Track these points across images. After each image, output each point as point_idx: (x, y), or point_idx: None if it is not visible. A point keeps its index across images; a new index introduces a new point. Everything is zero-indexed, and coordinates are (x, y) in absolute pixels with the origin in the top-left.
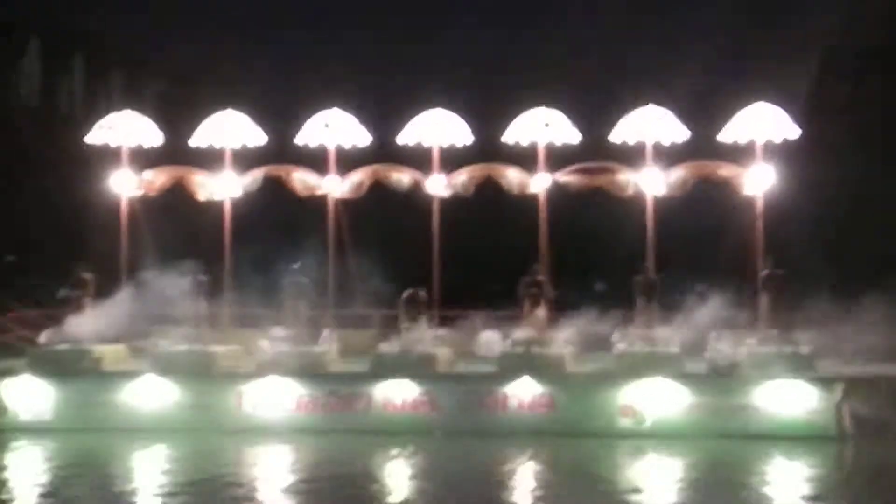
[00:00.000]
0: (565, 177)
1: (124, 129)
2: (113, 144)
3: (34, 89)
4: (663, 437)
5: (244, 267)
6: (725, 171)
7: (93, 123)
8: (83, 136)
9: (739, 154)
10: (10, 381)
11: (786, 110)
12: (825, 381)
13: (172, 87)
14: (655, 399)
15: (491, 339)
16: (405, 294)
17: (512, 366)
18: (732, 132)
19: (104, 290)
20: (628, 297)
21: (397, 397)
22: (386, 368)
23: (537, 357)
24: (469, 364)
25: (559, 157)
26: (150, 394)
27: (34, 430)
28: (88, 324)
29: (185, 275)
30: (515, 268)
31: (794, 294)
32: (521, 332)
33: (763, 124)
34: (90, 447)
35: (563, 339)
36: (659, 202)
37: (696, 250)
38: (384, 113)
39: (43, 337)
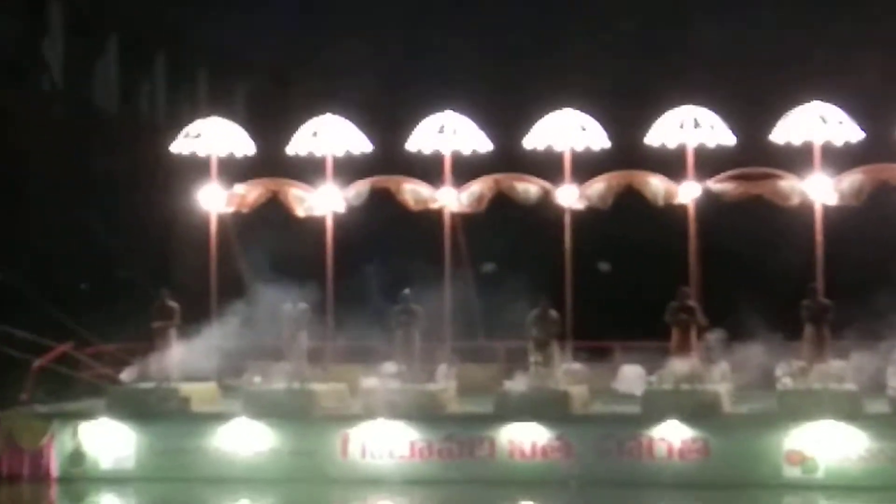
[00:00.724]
0: (719, 184)
1: (213, 137)
2: (201, 154)
3: (112, 93)
4: (838, 488)
5: (349, 293)
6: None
7: (178, 131)
8: (167, 146)
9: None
10: (88, 425)
11: None
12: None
13: (266, 89)
14: (828, 444)
15: (633, 375)
16: (533, 313)
17: (659, 406)
18: None
19: (192, 320)
20: (794, 325)
21: (526, 442)
22: (512, 409)
23: (688, 395)
24: (608, 404)
25: (711, 163)
26: (243, 438)
27: (115, 480)
28: (174, 359)
29: (283, 302)
30: (662, 291)
31: None
32: (669, 367)
33: None
34: (176, 499)
35: (719, 374)
36: (829, 213)
37: (874, 269)
38: (507, 115)
39: (124, 375)
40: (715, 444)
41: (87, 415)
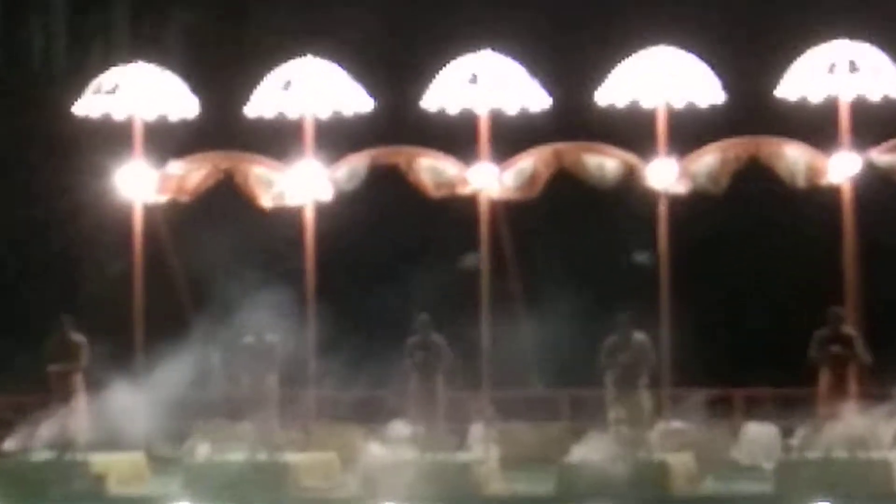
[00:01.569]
0: (887, 156)
1: (135, 92)
2: (118, 117)
3: None
4: None
5: (339, 320)
6: None
7: (84, 85)
8: (68, 106)
9: None
10: None
11: None
12: None
13: (213, 23)
14: None
15: (763, 438)
16: (611, 339)
17: (800, 481)
18: None
19: (107, 361)
20: None
21: None
22: (583, 489)
23: (846, 466)
24: (726, 480)
25: (875, 124)
26: None
27: None
28: (82, 418)
29: (242, 334)
30: (803, 314)
31: None
32: (815, 425)
33: None
34: None
35: (891, 435)
36: None
37: None
38: (571, 59)
39: (11, 441)
40: None
41: None
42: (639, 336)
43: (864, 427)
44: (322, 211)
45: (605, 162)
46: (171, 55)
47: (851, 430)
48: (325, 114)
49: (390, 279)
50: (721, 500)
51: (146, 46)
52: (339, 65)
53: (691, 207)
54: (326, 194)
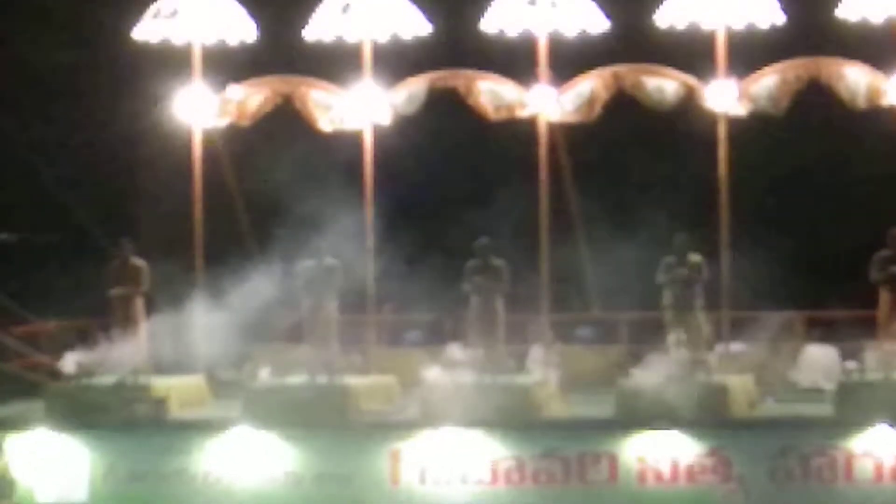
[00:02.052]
0: None
1: (194, 16)
2: (177, 42)
3: None
4: None
5: (398, 245)
6: None
7: (143, 9)
8: (128, 31)
9: None
10: (19, 439)
11: None
12: None
13: None
14: None
15: (823, 360)
16: (668, 260)
17: (862, 405)
18: None
19: (167, 285)
20: None
21: (663, 461)
22: (642, 412)
23: None
24: (786, 403)
25: None
26: (245, 457)
27: None
28: (143, 342)
29: (301, 258)
30: (864, 236)
31: None
32: (876, 347)
33: None
34: None
35: None
36: None
37: None
38: None
39: (69, 364)
40: None
41: (17, 424)
42: (694, 257)
43: None
44: (381, 135)
45: (665, 84)
46: None
47: None
48: (383, 37)
49: (453, 203)
50: (781, 423)
51: None
52: None
53: (752, 129)
54: (385, 118)
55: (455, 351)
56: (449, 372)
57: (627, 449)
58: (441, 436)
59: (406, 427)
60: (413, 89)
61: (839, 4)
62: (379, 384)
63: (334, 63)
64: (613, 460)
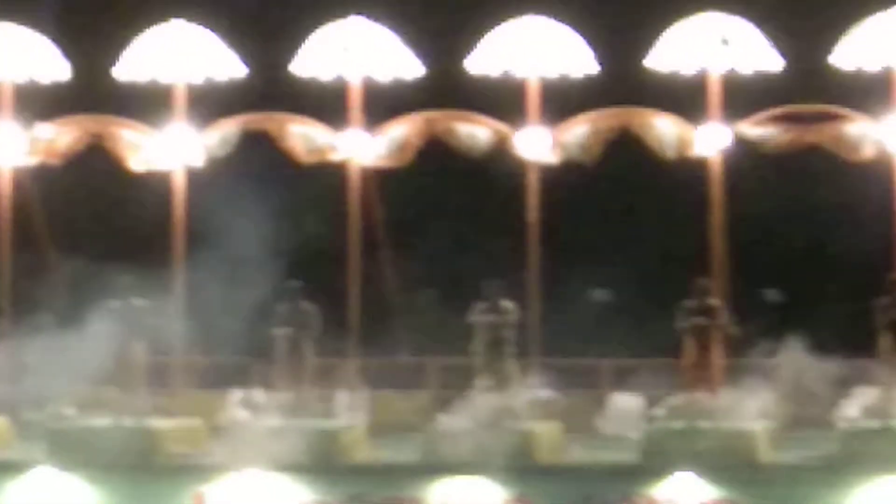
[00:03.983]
0: (756, 129)
1: (5, 54)
2: None
3: None
4: None
5: (207, 285)
6: None
7: None
8: None
9: None
10: None
11: None
12: None
13: None
14: None
15: (628, 408)
16: (480, 306)
17: (665, 453)
18: None
19: None
20: (866, 335)
21: None
22: (449, 457)
23: (709, 437)
24: (592, 449)
25: (745, 97)
26: (48, 499)
27: None
28: None
29: (109, 298)
30: (671, 285)
31: None
32: (680, 396)
33: None
34: None
35: (754, 406)
36: None
37: None
38: (446, 26)
39: None
40: None
41: None
42: (506, 303)
43: (729, 398)
44: (193, 177)
45: (477, 131)
46: (41, 17)
47: (715, 400)
48: (198, 79)
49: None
50: (587, 470)
51: (16, 7)
52: (210, 27)
53: (563, 178)
54: (198, 160)
55: (261, 394)
56: (255, 415)
57: (433, 494)
58: (246, 479)
59: (211, 470)
60: (226, 131)
61: (650, 56)
62: (185, 427)
63: (148, 104)
64: None
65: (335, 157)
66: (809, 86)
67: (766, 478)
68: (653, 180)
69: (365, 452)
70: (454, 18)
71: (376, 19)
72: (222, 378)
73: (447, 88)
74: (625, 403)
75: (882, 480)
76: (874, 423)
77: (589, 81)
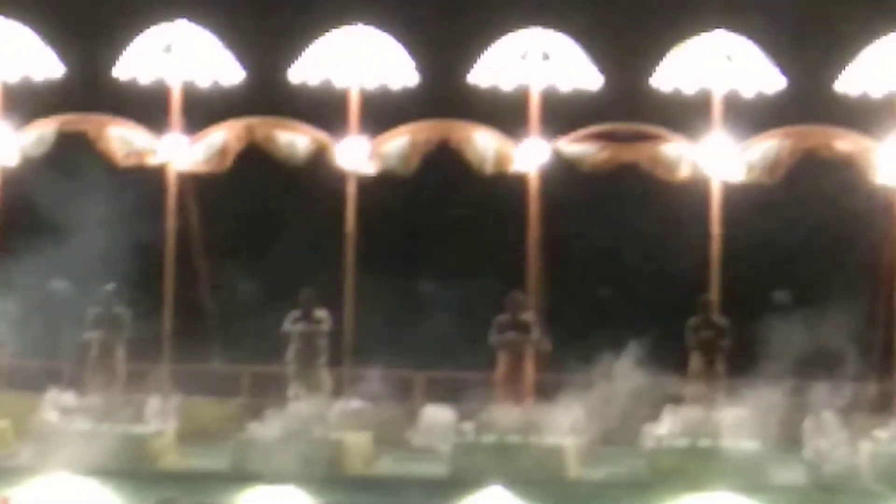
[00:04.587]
0: (575, 146)
1: None
2: None
3: None
4: None
5: (19, 287)
6: (845, 143)
7: None
8: None
9: (869, 116)
10: None
11: None
12: None
13: None
14: None
15: (439, 421)
16: (293, 314)
17: (475, 466)
18: (858, 79)
19: None
20: (677, 354)
21: None
22: (258, 465)
23: (519, 451)
24: (402, 461)
25: (564, 114)
26: None
27: None
28: None
29: None
30: (486, 299)
31: None
32: (491, 410)
33: None
34: None
35: (565, 421)
36: (731, 193)
37: (791, 276)
38: (268, 34)
39: None
40: None
41: None
42: (319, 312)
43: (539, 413)
44: (7, 178)
45: (296, 139)
46: None
47: (525, 415)
48: (13, 78)
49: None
50: (396, 482)
51: None
52: (27, 24)
53: (380, 189)
54: (11, 160)
55: (72, 398)
56: (65, 418)
57: (242, 502)
58: (54, 483)
59: (18, 472)
60: (42, 132)
61: (472, 70)
62: None
63: None
64: None
65: (153, 160)
66: (629, 106)
67: (574, 493)
68: (471, 194)
69: (174, 458)
70: (278, 25)
71: (201, 23)
72: (32, 380)
73: (269, 95)
74: (436, 416)
75: (687, 498)
76: (681, 442)
77: (410, 93)
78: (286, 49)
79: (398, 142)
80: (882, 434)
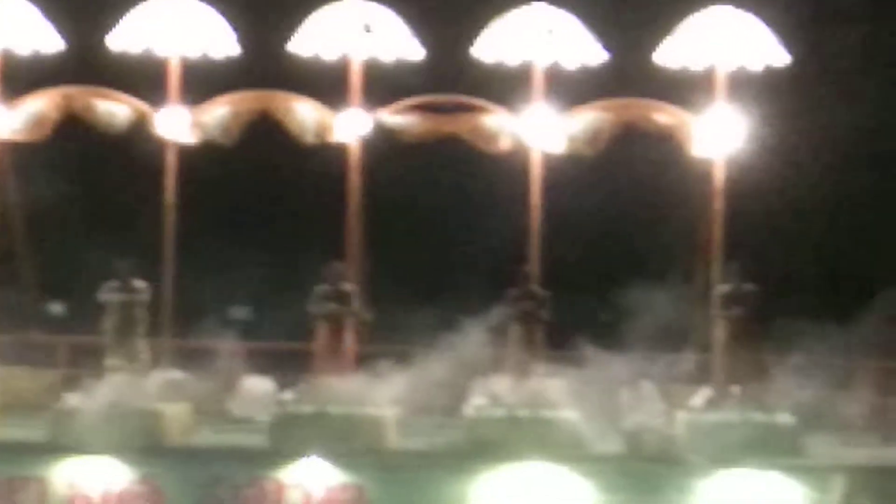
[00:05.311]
0: (396, 117)
1: None
2: None
3: None
4: None
5: None
6: (664, 116)
7: None
8: None
9: (688, 89)
10: None
11: (771, 20)
12: (817, 472)
13: None
14: (535, 494)
15: (258, 391)
16: (109, 285)
17: (293, 436)
18: (677, 52)
19: None
20: (495, 325)
21: (92, 486)
22: (73, 435)
23: (337, 421)
24: (221, 432)
25: (386, 85)
26: None
27: None
28: None
29: None
30: (307, 269)
31: (771, 326)
32: (311, 380)
33: (730, 41)
34: None
35: (385, 393)
36: (552, 164)
37: (609, 247)
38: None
39: None
40: (375, 494)
41: None
42: (138, 283)
43: (359, 384)
44: None
45: (115, 108)
46: None
47: (346, 386)
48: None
49: None
50: (215, 452)
51: None
52: None
53: (201, 158)
54: None
55: None
56: None
57: (59, 474)
58: None
59: None
60: None
61: (291, 39)
62: None
63: None
64: (43, 485)
65: None
66: (451, 77)
67: (392, 463)
68: (293, 164)
69: None
70: None
71: None
72: None
73: (89, 64)
74: (255, 387)
75: (505, 468)
76: (500, 412)
77: (232, 63)
78: (107, 17)
79: (219, 111)
80: (697, 401)
